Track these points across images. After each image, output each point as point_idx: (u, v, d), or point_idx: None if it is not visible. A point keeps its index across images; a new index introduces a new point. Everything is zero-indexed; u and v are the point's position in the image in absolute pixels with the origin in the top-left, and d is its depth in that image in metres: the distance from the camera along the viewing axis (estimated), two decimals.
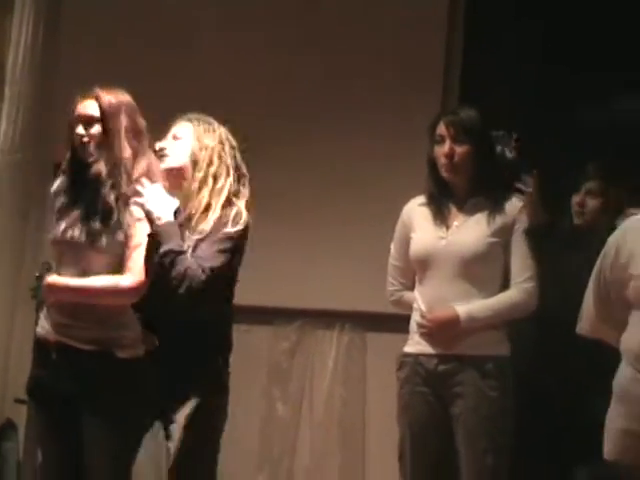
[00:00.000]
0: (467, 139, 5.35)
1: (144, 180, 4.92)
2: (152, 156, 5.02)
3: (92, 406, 4.79)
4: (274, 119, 6.54)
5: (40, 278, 5.42)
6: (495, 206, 5.37)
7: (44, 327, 4.87)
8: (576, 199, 5.72)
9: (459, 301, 5.31)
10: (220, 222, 4.88)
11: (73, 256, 4.86)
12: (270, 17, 7.03)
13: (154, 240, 4.87)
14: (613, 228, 4.62)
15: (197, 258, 4.78)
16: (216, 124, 5.17)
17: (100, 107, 4.89)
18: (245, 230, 4.91)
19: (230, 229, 4.91)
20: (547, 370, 5.54)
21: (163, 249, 4.80)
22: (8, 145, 7.03)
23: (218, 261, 4.83)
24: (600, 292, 4.48)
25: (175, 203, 4.96)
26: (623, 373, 4.32)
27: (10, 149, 7.05)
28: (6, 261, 6.99)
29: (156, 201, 4.87)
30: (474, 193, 5.38)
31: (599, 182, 5.69)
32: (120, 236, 4.82)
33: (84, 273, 4.81)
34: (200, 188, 5.00)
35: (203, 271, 4.75)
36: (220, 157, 5.11)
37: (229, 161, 5.12)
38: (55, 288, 4.82)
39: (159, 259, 4.82)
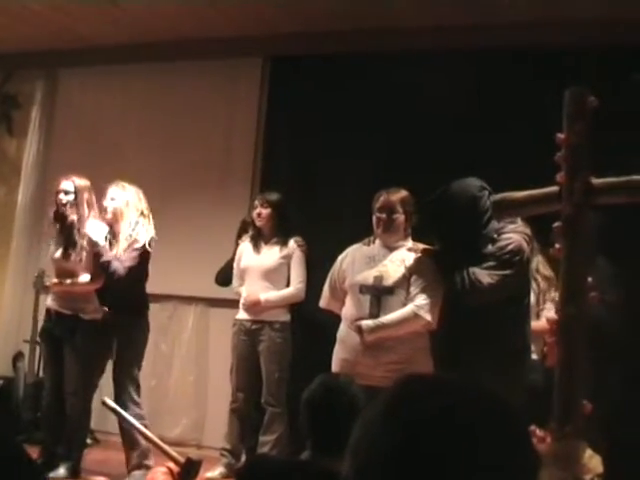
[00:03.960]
0: (269, 207, 6.06)
1: (89, 222, 5.51)
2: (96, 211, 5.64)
3: (70, 343, 5.49)
4: (161, 188, 6.79)
5: (38, 277, 6.23)
6: (284, 243, 6.03)
7: (50, 302, 5.67)
8: None
9: (263, 292, 5.96)
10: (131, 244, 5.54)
11: (61, 267, 5.61)
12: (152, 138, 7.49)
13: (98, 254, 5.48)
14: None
15: (121, 261, 5.47)
16: (129, 189, 5.59)
17: (73, 185, 5.61)
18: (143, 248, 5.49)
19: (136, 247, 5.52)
20: (312, 328, 5.92)
21: (103, 259, 5.44)
22: (24, 202, 7.68)
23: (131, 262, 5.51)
24: (332, 283, 5.07)
25: (105, 230, 5.51)
26: (342, 328, 4.93)
27: (24, 206, 7.68)
28: (21, 267, 7.58)
29: (96, 233, 5.44)
30: (274, 235, 6.07)
31: None
32: (83, 255, 5.50)
33: (68, 276, 5.55)
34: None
35: (124, 268, 5.46)
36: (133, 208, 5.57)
37: (136, 210, 5.56)
38: (56, 285, 5.60)
39: (102, 264, 5.45)
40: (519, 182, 2.96)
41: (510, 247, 4.62)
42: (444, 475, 1.16)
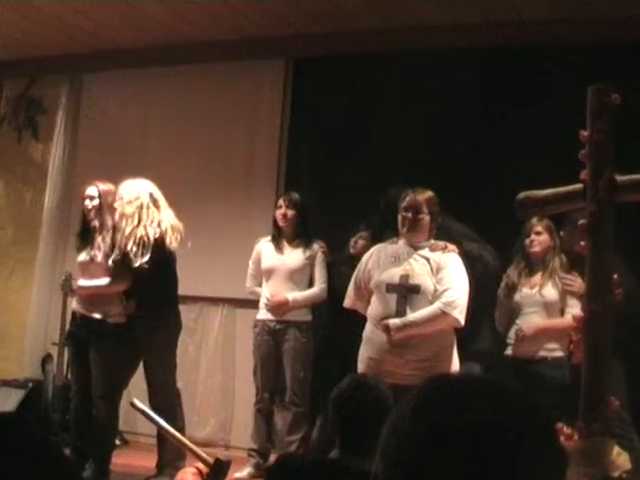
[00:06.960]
0: (293, 208, 6.05)
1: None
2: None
3: (95, 346, 5.53)
4: (185, 190, 6.75)
5: (65, 280, 6.23)
6: (307, 244, 6.06)
7: (75, 305, 5.73)
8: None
9: (287, 292, 5.97)
10: None
11: (87, 269, 5.66)
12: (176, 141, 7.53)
13: None
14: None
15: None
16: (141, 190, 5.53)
17: (97, 191, 5.71)
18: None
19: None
20: (333, 327, 5.97)
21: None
22: (50, 206, 7.73)
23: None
24: (357, 283, 5.08)
25: None
26: (367, 327, 4.93)
27: (51, 209, 7.73)
28: (48, 270, 7.63)
29: None
30: (296, 236, 6.08)
31: None
32: (107, 258, 5.53)
33: (92, 277, 5.58)
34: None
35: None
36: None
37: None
38: (81, 287, 5.67)
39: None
40: (543, 180, 2.96)
41: (461, 227, 5.39)
42: (472, 475, 1.16)
